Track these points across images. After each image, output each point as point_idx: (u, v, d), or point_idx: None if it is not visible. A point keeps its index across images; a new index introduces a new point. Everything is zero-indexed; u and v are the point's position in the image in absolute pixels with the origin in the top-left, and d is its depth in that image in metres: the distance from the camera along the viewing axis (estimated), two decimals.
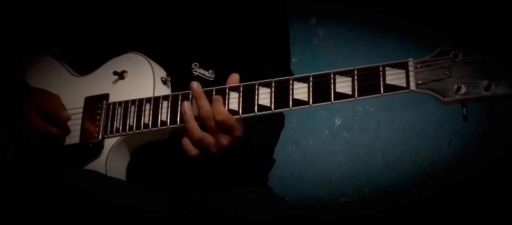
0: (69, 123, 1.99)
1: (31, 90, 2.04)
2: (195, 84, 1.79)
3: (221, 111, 1.76)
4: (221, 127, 1.77)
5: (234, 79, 1.82)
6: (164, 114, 1.87)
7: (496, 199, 2.82)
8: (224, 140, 1.79)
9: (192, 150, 1.81)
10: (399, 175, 3.09)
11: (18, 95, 2.01)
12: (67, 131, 1.99)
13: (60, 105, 1.99)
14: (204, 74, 2.03)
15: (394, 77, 1.61)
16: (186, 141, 1.81)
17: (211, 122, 1.77)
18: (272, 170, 2.25)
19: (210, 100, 1.78)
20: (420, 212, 2.96)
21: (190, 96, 1.83)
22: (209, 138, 1.78)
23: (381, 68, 1.64)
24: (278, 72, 1.81)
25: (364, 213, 3.09)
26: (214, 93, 1.81)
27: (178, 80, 1.97)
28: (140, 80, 1.96)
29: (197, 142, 1.79)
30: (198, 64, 2.04)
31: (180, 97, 1.86)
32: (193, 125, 1.78)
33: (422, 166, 3.06)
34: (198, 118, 1.79)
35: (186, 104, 1.80)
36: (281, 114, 2.16)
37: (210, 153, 1.80)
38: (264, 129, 2.05)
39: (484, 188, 2.84)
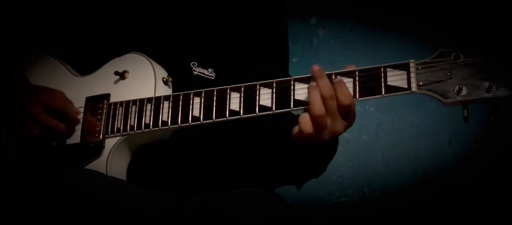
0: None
1: (33, 88, 2.03)
2: (316, 66, 1.69)
3: (346, 93, 1.67)
4: (343, 111, 1.69)
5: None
6: (165, 114, 1.87)
7: (496, 199, 2.82)
8: (340, 125, 1.70)
9: (309, 128, 1.69)
10: (399, 175, 3.09)
11: (19, 94, 2.00)
12: (73, 128, 1.99)
13: (67, 101, 1.99)
14: (203, 73, 2.03)
15: (395, 78, 1.62)
16: (305, 118, 1.69)
17: (333, 102, 1.67)
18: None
19: (210, 102, 1.79)
20: (420, 212, 2.96)
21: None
22: (326, 119, 1.69)
23: (382, 69, 1.64)
24: (277, 71, 1.81)
25: (364, 213, 3.09)
26: (215, 93, 1.81)
27: (178, 79, 1.97)
28: (141, 80, 1.96)
29: (318, 119, 1.68)
30: (196, 63, 2.04)
31: (181, 97, 1.86)
32: (318, 98, 1.67)
33: (422, 166, 3.07)
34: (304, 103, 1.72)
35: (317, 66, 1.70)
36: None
37: (322, 137, 1.71)
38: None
39: (484, 188, 2.84)
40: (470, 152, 2.99)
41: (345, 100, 1.66)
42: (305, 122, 1.68)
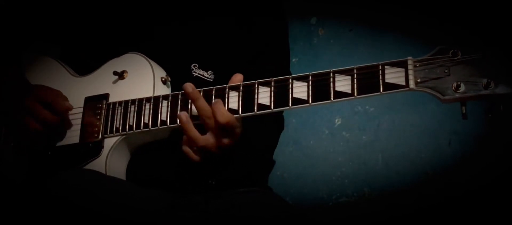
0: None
1: (32, 87, 2.04)
2: (189, 87, 1.78)
3: (223, 113, 1.76)
4: (223, 129, 1.77)
5: (237, 79, 1.81)
6: (164, 113, 1.87)
7: (496, 199, 2.82)
8: (225, 140, 1.79)
9: (195, 156, 1.81)
10: (399, 175, 3.09)
11: (18, 94, 2.01)
12: (68, 123, 1.99)
13: (61, 96, 1.99)
14: (203, 75, 2.04)
15: (393, 75, 1.61)
16: (187, 149, 1.81)
17: (211, 121, 1.77)
18: (272, 170, 2.25)
19: (209, 100, 1.79)
20: (420, 212, 2.96)
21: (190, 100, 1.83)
22: (210, 140, 1.79)
23: (380, 66, 1.64)
24: (278, 72, 1.81)
25: (364, 213, 3.09)
26: (213, 92, 1.81)
27: (177, 80, 1.97)
28: (140, 80, 1.96)
29: (200, 149, 1.79)
30: (197, 65, 2.04)
31: (180, 96, 1.86)
32: (194, 133, 1.78)
33: (422, 166, 3.06)
34: (196, 118, 1.79)
35: (184, 114, 1.80)
36: (281, 116, 2.16)
37: (212, 153, 1.80)
38: (264, 130, 2.05)
39: (484, 188, 2.84)
40: (470, 152, 2.98)
41: (224, 119, 1.75)
42: (190, 153, 1.82)
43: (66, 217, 1.66)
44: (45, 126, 1.95)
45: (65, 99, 1.99)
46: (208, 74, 2.04)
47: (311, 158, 3.27)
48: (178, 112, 1.83)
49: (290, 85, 1.73)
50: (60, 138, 2.01)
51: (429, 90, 1.58)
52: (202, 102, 1.77)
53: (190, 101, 1.81)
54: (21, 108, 1.96)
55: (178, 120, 1.82)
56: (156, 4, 2.13)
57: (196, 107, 1.78)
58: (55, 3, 2.17)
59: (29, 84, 2.07)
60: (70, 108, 1.98)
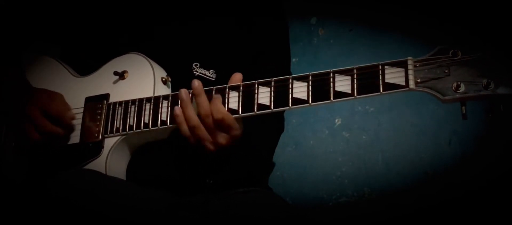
0: None
1: (33, 91, 2.04)
2: (196, 82, 1.80)
3: (219, 110, 1.77)
4: (219, 126, 1.78)
5: (236, 78, 1.82)
6: (164, 113, 1.87)
7: (496, 199, 2.82)
8: (222, 138, 1.80)
9: (191, 137, 1.81)
10: (399, 175, 3.09)
11: (19, 95, 2.01)
12: (71, 130, 1.99)
13: (64, 105, 1.99)
14: (205, 74, 2.04)
15: (393, 75, 1.61)
16: (184, 128, 1.82)
17: (209, 119, 1.77)
18: (272, 170, 2.25)
19: (210, 98, 1.79)
20: (420, 212, 2.96)
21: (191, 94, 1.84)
22: (204, 132, 1.79)
23: (380, 66, 1.64)
24: (279, 72, 1.81)
25: (364, 213, 3.09)
26: (214, 92, 1.81)
27: (179, 80, 1.97)
28: (141, 80, 1.96)
29: (192, 129, 1.80)
30: (198, 64, 2.04)
31: None
32: (191, 111, 1.80)
33: (422, 166, 3.07)
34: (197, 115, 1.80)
35: (184, 90, 1.82)
36: (282, 117, 2.16)
37: (208, 150, 1.80)
38: (264, 131, 2.05)
39: (484, 188, 2.84)
40: (470, 152, 2.99)
41: (219, 115, 1.77)
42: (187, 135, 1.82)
43: (66, 217, 1.66)
44: (46, 136, 1.95)
45: (68, 108, 1.99)
46: (210, 73, 2.04)
47: (311, 158, 3.27)
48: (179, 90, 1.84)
49: (290, 85, 1.73)
50: (63, 138, 2.00)
51: (429, 90, 1.58)
52: (204, 99, 1.78)
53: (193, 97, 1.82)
54: (22, 114, 1.96)
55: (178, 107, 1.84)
56: (156, 4, 2.13)
57: (196, 102, 1.79)
58: (55, 3, 2.17)
59: (30, 87, 2.06)
60: (74, 118, 1.98)
